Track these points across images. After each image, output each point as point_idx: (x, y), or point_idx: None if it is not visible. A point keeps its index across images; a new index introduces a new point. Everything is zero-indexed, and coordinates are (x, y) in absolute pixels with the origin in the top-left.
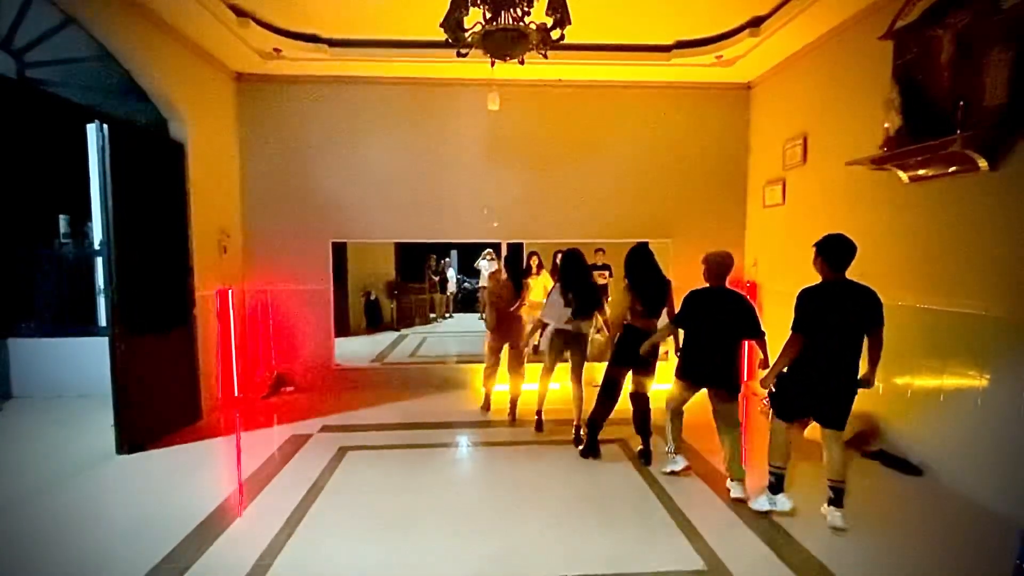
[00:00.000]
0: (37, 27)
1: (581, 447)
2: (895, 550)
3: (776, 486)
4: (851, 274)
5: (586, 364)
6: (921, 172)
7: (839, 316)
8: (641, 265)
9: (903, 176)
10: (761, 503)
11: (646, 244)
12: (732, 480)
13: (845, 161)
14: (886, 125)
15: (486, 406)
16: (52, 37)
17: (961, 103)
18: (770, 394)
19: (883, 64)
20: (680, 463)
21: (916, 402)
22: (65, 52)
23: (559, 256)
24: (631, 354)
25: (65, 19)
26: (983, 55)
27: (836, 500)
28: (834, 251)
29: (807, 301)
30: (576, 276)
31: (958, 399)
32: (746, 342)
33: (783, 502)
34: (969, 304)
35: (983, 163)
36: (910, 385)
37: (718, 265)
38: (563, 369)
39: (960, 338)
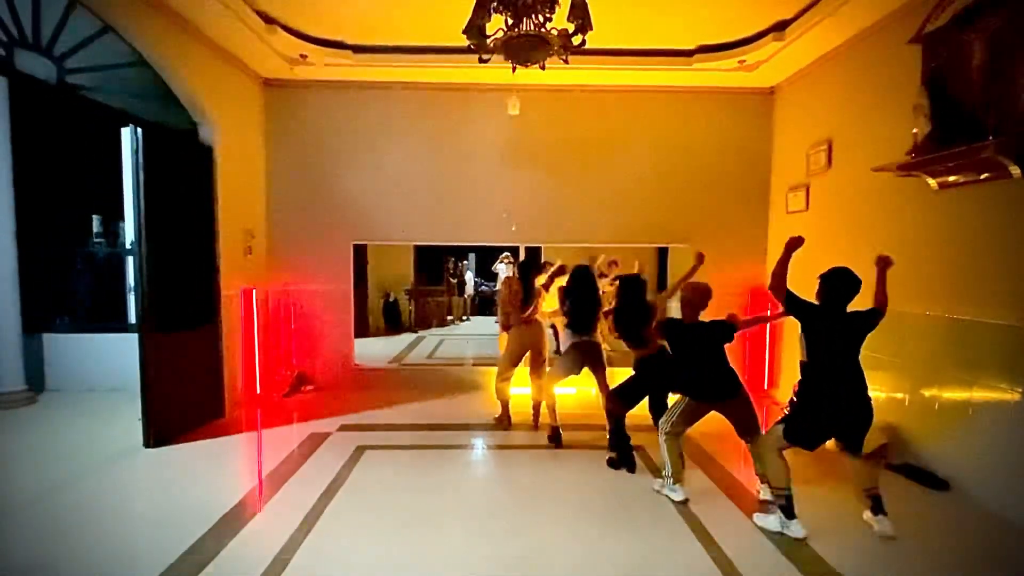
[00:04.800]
0: (77, 35)
1: (609, 457)
2: (919, 565)
3: (788, 510)
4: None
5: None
6: (951, 179)
7: (836, 339)
8: (624, 298)
9: (932, 183)
10: (771, 522)
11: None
12: (763, 483)
13: (871, 167)
14: (915, 131)
15: (504, 419)
16: (91, 44)
17: (993, 108)
18: (789, 421)
19: (911, 69)
20: (679, 494)
21: (944, 415)
22: (103, 58)
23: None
24: (648, 389)
25: (103, 27)
26: (1016, 59)
27: (877, 507)
28: (839, 285)
29: (805, 307)
30: (576, 292)
31: (988, 413)
32: (764, 349)
33: (796, 528)
34: (1001, 315)
35: (1016, 170)
36: (938, 397)
37: (697, 296)
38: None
39: (991, 350)
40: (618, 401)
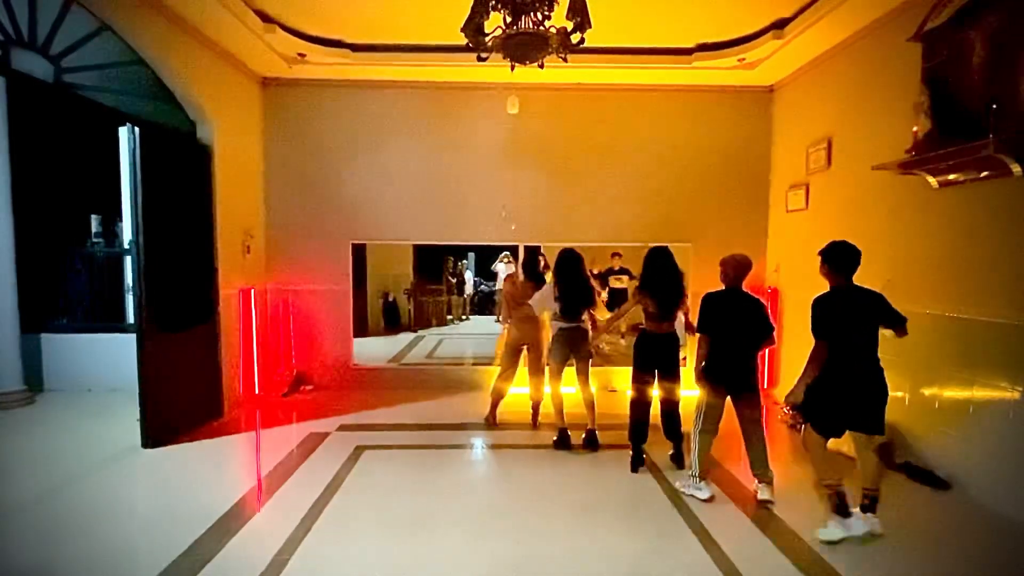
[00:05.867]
0: (73, 33)
1: (631, 461)
2: (920, 565)
3: (843, 507)
4: (878, 280)
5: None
6: (951, 177)
7: (854, 320)
8: (657, 268)
9: (932, 181)
10: (832, 532)
11: (665, 247)
12: (761, 483)
13: (871, 165)
14: (915, 129)
15: (490, 418)
16: (88, 43)
17: (994, 106)
18: (801, 408)
19: (911, 67)
20: (704, 492)
21: (944, 414)
22: (100, 57)
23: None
24: (653, 359)
25: (100, 25)
26: (1017, 56)
27: (871, 507)
28: (839, 257)
29: (823, 308)
30: (568, 274)
31: (989, 411)
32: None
33: (859, 525)
34: (1001, 314)
35: (1016, 168)
36: (938, 396)
37: (736, 266)
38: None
39: (991, 348)
40: (637, 398)
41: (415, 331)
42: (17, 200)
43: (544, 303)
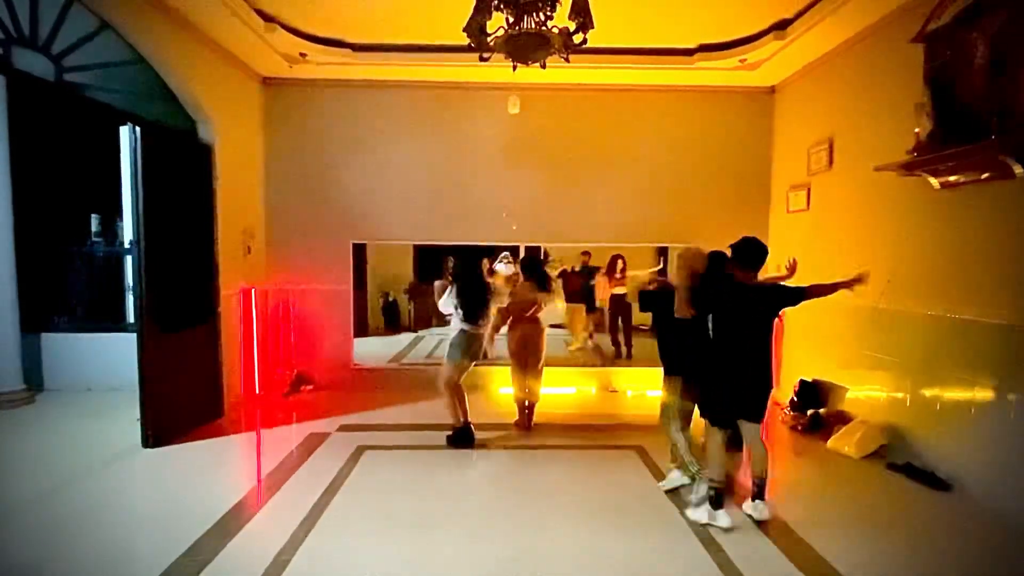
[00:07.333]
0: (75, 32)
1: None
2: (920, 565)
3: (719, 501)
4: (879, 278)
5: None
6: (953, 178)
7: (746, 314)
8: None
9: (934, 182)
10: (699, 515)
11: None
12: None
13: (873, 166)
14: (916, 130)
15: (522, 423)
16: (89, 42)
17: (996, 107)
18: (700, 404)
19: (913, 68)
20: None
21: (945, 415)
22: (101, 56)
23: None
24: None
25: (101, 25)
26: (1019, 58)
27: (761, 494)
28: (745, 253)
29: (711, 291)
30: (467, 280)
31: (990, 412)
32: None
33: (723, 519)
34: (1002, 315)
35: (1019, 169)
36: (939, 397)
37: (698, 261)
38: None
39: (992, 350)
40: None
41: (415, 331)
42: (17, 199)
43: (446, 304)
